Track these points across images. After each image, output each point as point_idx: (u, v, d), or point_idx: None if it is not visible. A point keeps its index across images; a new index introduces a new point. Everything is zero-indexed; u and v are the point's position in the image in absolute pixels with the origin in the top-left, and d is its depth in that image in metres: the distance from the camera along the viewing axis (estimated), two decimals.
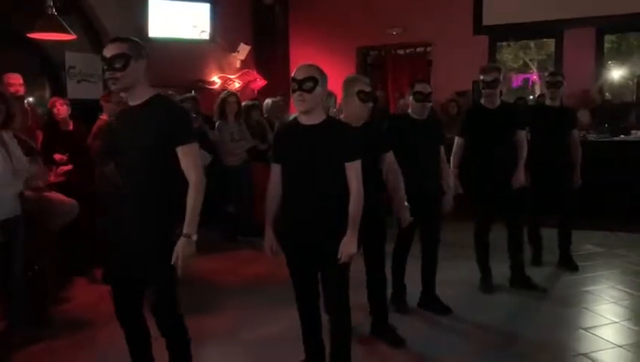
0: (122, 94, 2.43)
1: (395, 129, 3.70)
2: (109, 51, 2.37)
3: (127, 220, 2.45)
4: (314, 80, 2.57)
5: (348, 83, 3.17)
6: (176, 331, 2.54)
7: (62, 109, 4.92)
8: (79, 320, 3.84)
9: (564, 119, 4.66)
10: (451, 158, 4.19)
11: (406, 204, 3.35)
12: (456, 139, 4.24)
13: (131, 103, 2.45)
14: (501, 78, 4.09)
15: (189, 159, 2.40)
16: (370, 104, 3.18)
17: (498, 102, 4.13)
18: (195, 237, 2.38)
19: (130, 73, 2.36)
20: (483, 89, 4.11)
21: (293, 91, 2.60)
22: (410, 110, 3.78)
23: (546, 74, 5.02)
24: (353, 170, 2.61)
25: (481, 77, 4.09)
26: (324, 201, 2.62)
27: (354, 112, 3.14)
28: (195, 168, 2.40)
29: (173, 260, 2.35)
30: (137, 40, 2.46)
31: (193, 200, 2.39)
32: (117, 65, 2.33)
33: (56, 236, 4.11)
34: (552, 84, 4.63)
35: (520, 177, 4.11)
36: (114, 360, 3.01)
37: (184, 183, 2.41)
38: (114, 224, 2.48)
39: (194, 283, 4.47)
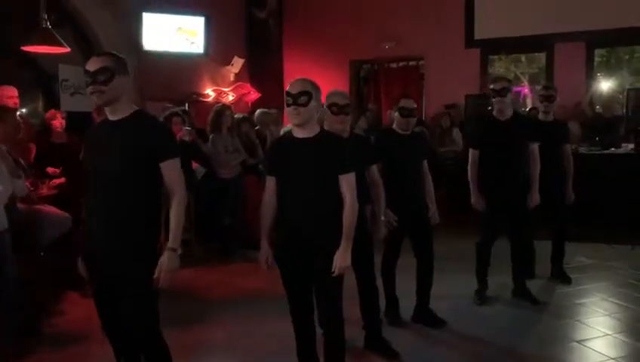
0: (106, 108, 2.43)
1: (382, 143, 3.73)
2: (92, 65, 2.36)
3: (99, 231, 2.41)
4: (308, 94, 2.60)
5: (326, 96, 3.20)
6: (154, 347, 2.48)
7: (62, 122, 4.97)
8: (70, 334, 3.79)
9: (557, 133, 4.67)
10: (469, 172, 4.15)
11: (382, 218, 3.41)
12: (470, 152, 4.19)
13: (111, 118, 2.44)
14: (511, 88, 4.09)
15: (174, 173, 2.43)
16: (346, 117, 3.17)
17: (510, 113, 4.11)
18: (179, 251, 2.39)
19: (114, 87, 2.36)
20: (493, 98, 4.10)
21: (288, 105, 2.63)
22: (395, 125, 3.81)
23: (539, 88, 5.04)
24: (347, 183, 2.63)
25: (491, 86, 4.11)
26: (318, 214, 2.63)
27: (328, 124, 3.14)
28: (179, 182, 2.44)
29: (156, 273, 2.34)
30: (121, 55, 2.46)
31: (177, 214, 2.41)
32: (101, 79, 2.33)
33: (49, 248, 4.09)
34: (546, 98, 4.64)
35: (536, 197, 4.12)
36: None
37: (159, 197, 2.46)
38: (89, 235, 2.47)
39: (188, 295, 4.46)
